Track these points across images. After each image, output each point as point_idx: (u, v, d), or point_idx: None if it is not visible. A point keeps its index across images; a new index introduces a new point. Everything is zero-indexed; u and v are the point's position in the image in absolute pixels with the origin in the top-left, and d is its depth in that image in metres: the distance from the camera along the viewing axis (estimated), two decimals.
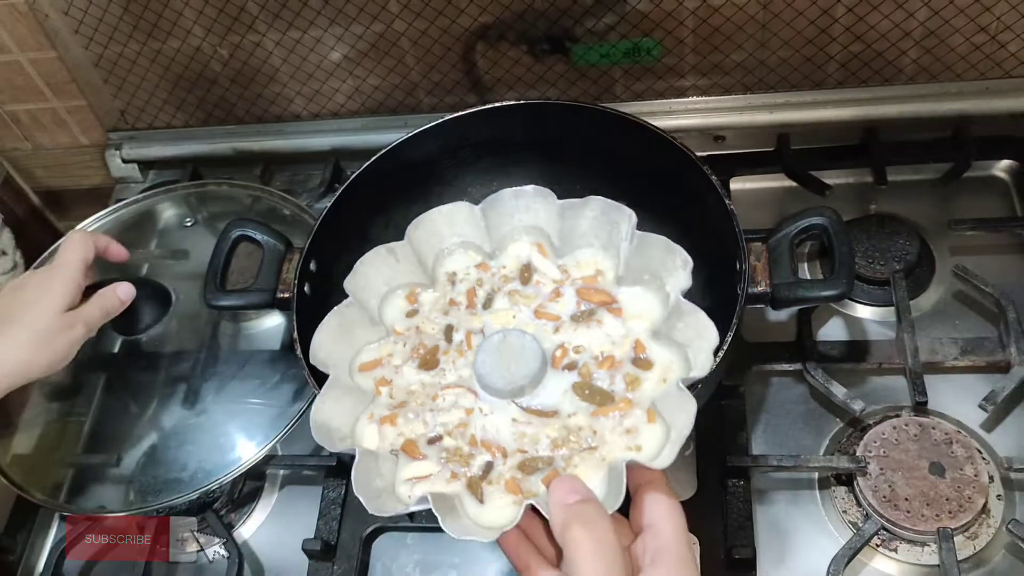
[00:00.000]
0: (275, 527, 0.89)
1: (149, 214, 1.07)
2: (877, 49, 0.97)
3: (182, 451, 0.89)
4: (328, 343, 0.63)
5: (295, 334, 0.77)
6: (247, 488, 0.91)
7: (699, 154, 1.00)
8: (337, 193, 0.84)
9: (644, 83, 1.03)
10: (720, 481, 0.82)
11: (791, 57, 0.99)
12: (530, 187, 0.67)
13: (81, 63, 1.10)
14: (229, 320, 0.99)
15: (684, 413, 0.53)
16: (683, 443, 0.52)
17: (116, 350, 0.98)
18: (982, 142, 0.98)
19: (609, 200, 0.66)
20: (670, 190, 0.83)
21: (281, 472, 0.92)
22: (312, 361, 0.63)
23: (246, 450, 0.87)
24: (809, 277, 0.95)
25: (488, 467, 0.56)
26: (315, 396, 0.62)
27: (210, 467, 0.87)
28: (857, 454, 0.80)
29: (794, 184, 1.00)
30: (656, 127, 0.83)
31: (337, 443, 0.58)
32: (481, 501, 0.55)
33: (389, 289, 0.66)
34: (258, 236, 0.84)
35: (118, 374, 0.97)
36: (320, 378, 0.72)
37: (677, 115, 1.04)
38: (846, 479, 0.81)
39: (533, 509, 0.52)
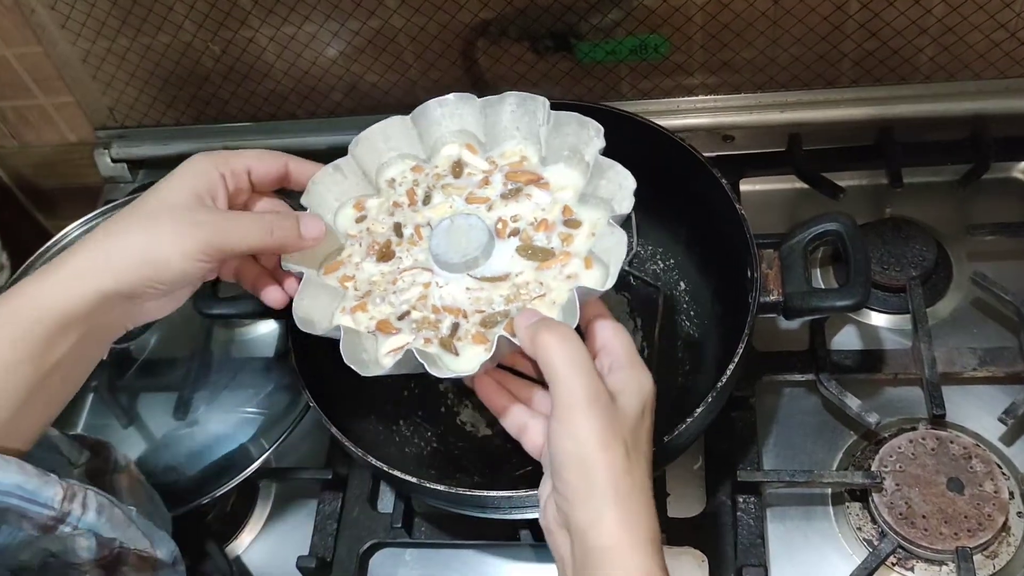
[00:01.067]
0: (268, 542, 0.88)
1: None
2: (892, 46, 0.95)
3: (172, 463, 0.88)
4: (297, 254, 0.69)
5: (290, 342, 0.77)
6: (239, 501, 0.90)
7: (707, 155, 0.99)
8: None
9: (651, 81, 1.02)
10: (730, 497, 0.81)
11: (803, 55, 0.97)
12: (451, 95, 0.72)
13: (68, 59, 1.09)
14: (222, 326, 0.97)
15: (619, 245, 0.62)
16: (620, 268, 0.61)
17: (104, 358, 0.96)
18: (1001, 143, 0.96)
19: (523, 93, 0.71)
20: (678, 193, 0.82)
21: (275, 485, 0.91)
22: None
23: (239, 462, 0.85)
24: (822, 284, 0.94)
25: (455, 327, 0.63)
26: (307, 401, 0.70)
27: (201, 480, 0.85)
28: (872, 469, 0.79)
29: (806, 186, 0.99)
30: (662, 127, 0.82)
31: (319, 331, 0.64)
32: (456, 354, 0.62)
33: (340, 204, 0.71)
34: None
35: (106, 383, 0.95)
36: (312, 388, 0.74)
37: (685, 114, 1.03)
38: (861, 494, 0.80)
39: (511, 372, 0.65)
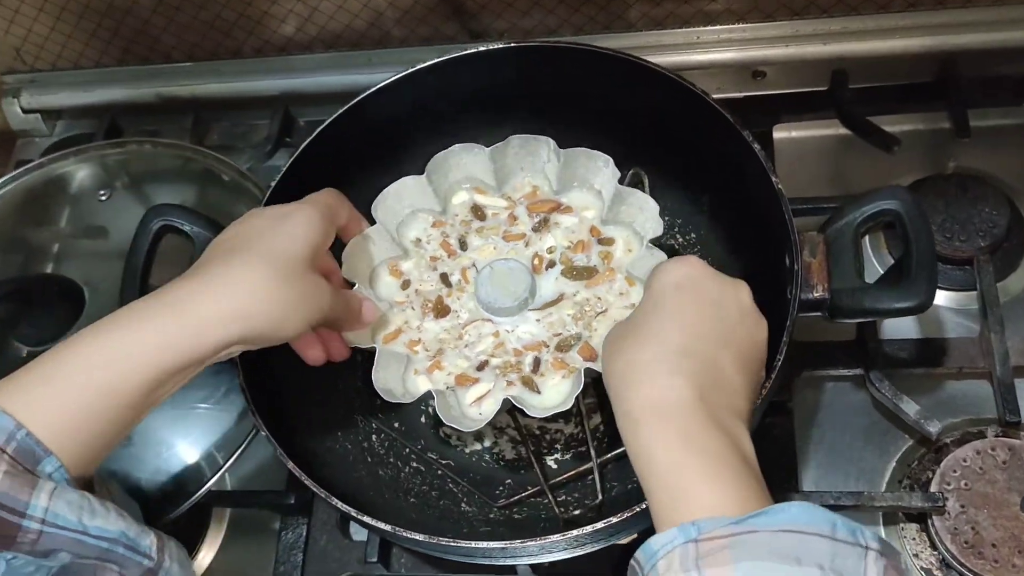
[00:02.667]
0: None
1: (57, 181, 1.00)
2: None
3: (105, 484, 0.83)
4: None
5: (237, 357, 0.72)
6: (187, 529, 0.86)
7: (735, 95, 0.94)
8: (283, 169, 0.79)
9: (665, 8, 0.97)
10: None
11: None
12: (456, 146, 0.78)
13: None
14: None
15: None
16: None
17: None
18: None
19: (526, 135, 0.78)
20: (698, 152, 0.79)
21: (229, 509, 0.87)
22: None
23: (186, 482, 0.82)
24: (872, 257, 0.89)
25: (536, 362, 0.71)
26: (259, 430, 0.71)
27: (141, 504, 0.78)
28: (932, 489, 0.75)
29: (852, 134, 0.94)
30: (678, 76, 0.77)
31: (398, 398, 0.70)
32: (538, 392, 0.70)
33: (371, 270, 0.76)
34: (186, 226, 0.78)
35: None
36: (264, 408, 0.71)
37: (707, 47, 0.99)
38: (919, 515, 0.77)
39: None
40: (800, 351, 0.82)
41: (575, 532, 0.62)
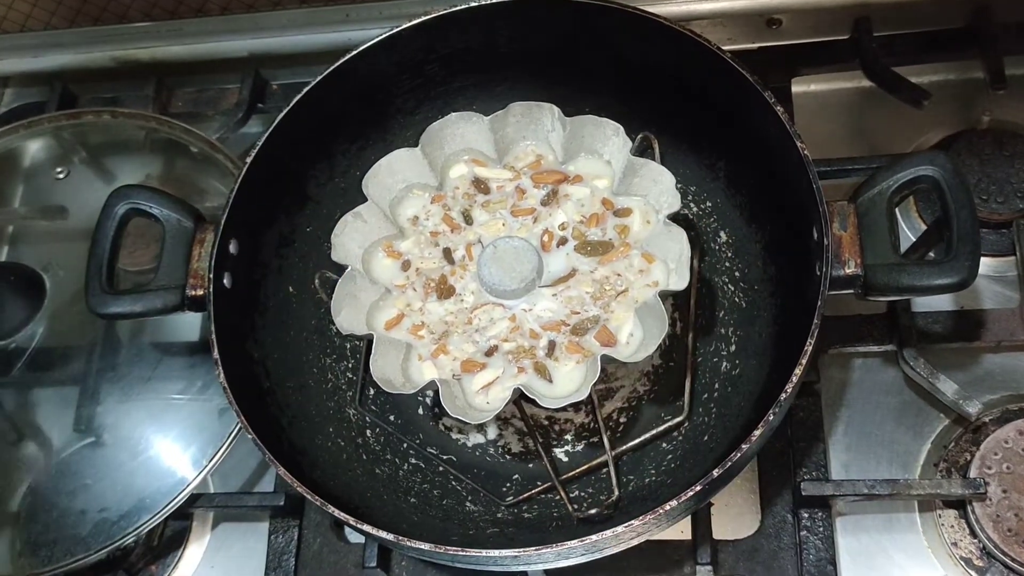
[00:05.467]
0: None
1: (9, 157, 1.00)
2: None
3: (78, 491, 0.84)
4: (350, 315, 0.74)
5: (216, 352, 0.72)
6: (169, 531, 0.86)
7: (748, 46, 0.93)
8: (260, 143, 0.77)
9: None
10: (792, 512, 0.77)
11: None
12: (453, 115, 0.79)
13: None
14: None
15: (676, 243, 0.71)
16: (689, 264, 0.70)
17: None
18: None
19: (528, 102, 0.78)
20: (713, 115, 0.78)
21: (213, 512, 0.87)
22: (345, 333, 0.73)
23: (164, 486, 0.82)
24: (899, 221, 0.88)
25: (551, 345, 0.71)
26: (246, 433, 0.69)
27: (117, 512, 0.82)
28: (972, 473, 0.75)
29: (876, 87, 0.93)
30: (684, 28, 0.75)
31: (398, 388, 0.70)
32: (550, 381, 0.70)
33: (364, 250, 0.76)
34: (154, 209, 0.77)
35: None
36: (249, 407, 0.70)
37: None
38: (957, 501, 0.76)
39: None
40: (826, 326, 0.81)
41: (594, 537, 0.62)
